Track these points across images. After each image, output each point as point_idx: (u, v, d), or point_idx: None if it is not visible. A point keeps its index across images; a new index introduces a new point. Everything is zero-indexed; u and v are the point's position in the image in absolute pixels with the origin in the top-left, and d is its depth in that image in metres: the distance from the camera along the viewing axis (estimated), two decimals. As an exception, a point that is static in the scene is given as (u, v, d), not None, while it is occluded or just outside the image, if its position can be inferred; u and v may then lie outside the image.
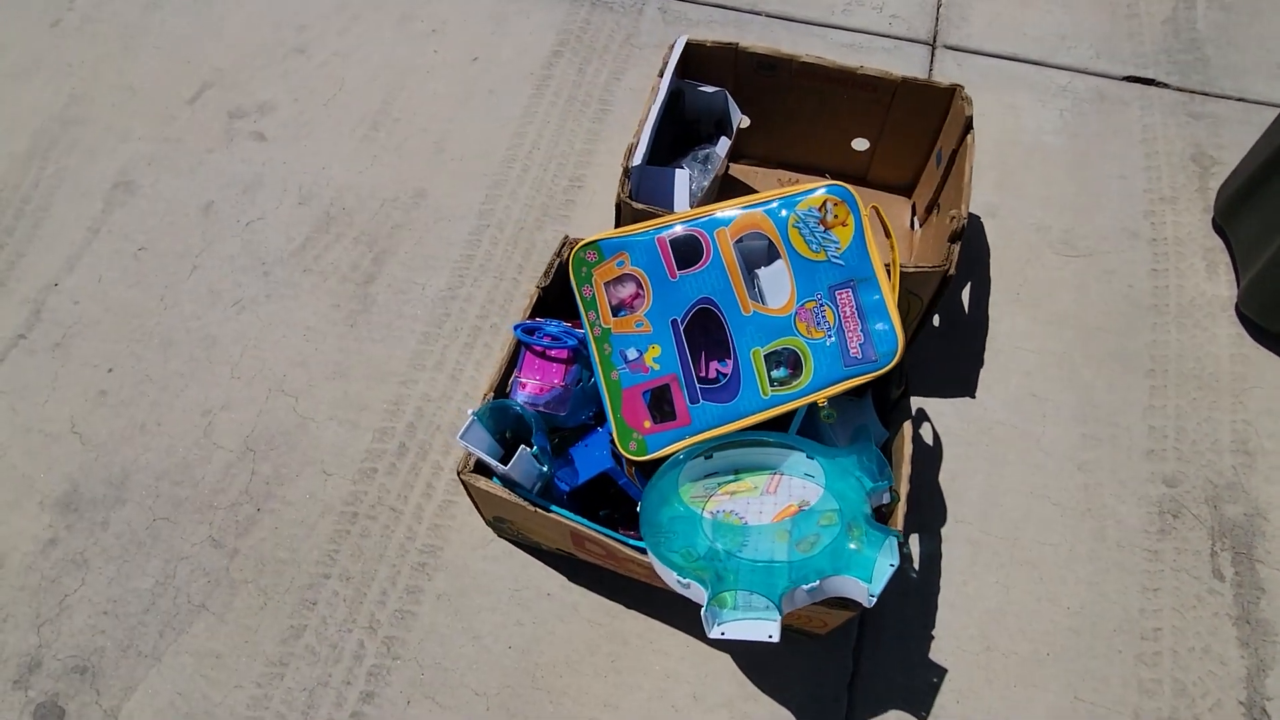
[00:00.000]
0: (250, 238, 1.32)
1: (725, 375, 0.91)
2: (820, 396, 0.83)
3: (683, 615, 0.98)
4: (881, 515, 0.84)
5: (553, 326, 0.91)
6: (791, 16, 1.59)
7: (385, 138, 1.44)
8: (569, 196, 1.37)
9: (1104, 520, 1.05)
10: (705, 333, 0.89)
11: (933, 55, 1.53)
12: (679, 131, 1.23)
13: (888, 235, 0.83)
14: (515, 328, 0.91)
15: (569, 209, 1.35)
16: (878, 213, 0.83)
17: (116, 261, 1.29)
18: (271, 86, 1.50)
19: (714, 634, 0.69)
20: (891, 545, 0.73)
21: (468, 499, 1.07)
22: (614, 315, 0.89)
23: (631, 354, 0.88)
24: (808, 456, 0.86)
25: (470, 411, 0.82)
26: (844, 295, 0.83)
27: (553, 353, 0.90)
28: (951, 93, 1.14)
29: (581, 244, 0.89)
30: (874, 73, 1.16)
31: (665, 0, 1.62)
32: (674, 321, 0.87)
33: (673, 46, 1.13)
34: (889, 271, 0.83)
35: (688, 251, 0.86)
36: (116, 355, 1.20)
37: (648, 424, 0.87)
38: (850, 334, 0.83)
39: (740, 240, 0.85)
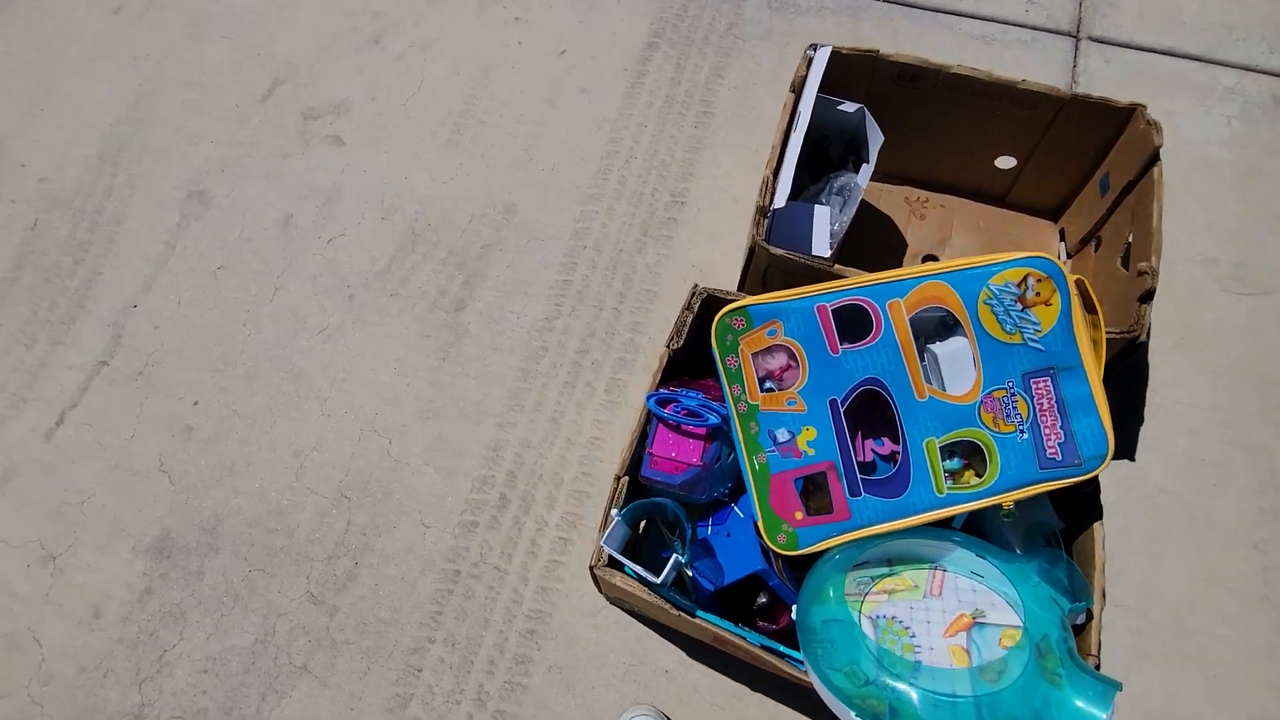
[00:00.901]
0: (333, 256, 1.23)
1: (881, 456, 0.82)
2: (1007, 499, 0.73)
3: (809, 699, 0.90)
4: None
5: (691, 400, 0.81)
6: (915, 3, 1.42)
7: (470, 143, 1.33)
8: (671, 214, 1.25)
9: (1283, 608, 0.94)
10: (865, 412, 0.79)
11: (1076, 49, 1.36)
12: (802, 152, 1.10)
13: (1092, 310, 0.71)
14: (649, 398, 0.82)
15: (671, 229, 1.24)
16: (1084, 288, 0.71)
17: (195, 281, 1.22)
18: (346, 83, 1.40)
19: (905, 795, 0.61)
20: (1108, 695, 0.63)
21: (575, 559, 1.00)
22: (761, 390, 0.79)
23: (782, 435, 0.78)
24: (977, 555, 0.77)
25: (615, 513, 0.74)
26: (1041, 385, 0.72)
27: (689, 428, 0.81)
28: (1130, 114, 0.99)
29: (728, 309, 0.78)
30: (1039, 88, 1.01)
31: (770, -16, 1.46)
32: (833, 402, 0.76)
33: (811, 60, 1.00)
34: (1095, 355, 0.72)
35: (853, 323, 0.76)
36: (201, 386, 1.14)
37: (800, 515, 0.77)
38: (1048, 430, 0.72)
39: (916, 314, 0.74)
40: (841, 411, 0.76)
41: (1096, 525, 0.77)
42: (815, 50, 1.01)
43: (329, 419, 1.10)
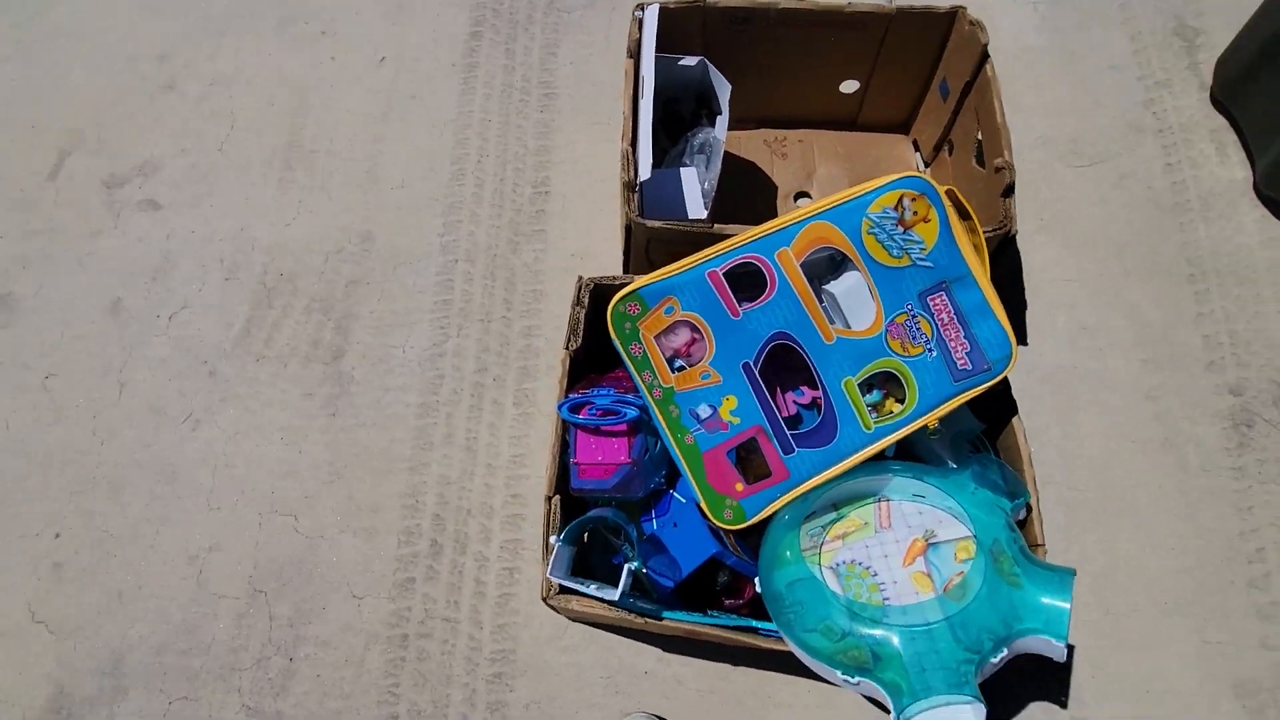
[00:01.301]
0: (179, 333, 1.11)
1: (804, 406, 0.81)
2: (931, 419, 0.73)
3: (789, 658, 0.90)
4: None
5: (603, 398, 0.78)
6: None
7: (305, 177, 1.22)
8: (537, 207, 1.20)
9: (1184, 448, 1.01)
10: (776, 361, 0.78)
11: (888, -36, 1.39)
12: (655, 115, 1.06)
13: (966, 217, 0.72)
14: (560, 407, 0.78)
15: (542, 222, 1.18)
16: (956, 197, 0.71)
17: (22, 399, 1.07)
18: (147, 139, 1.25)
19: (908, 740, 0.61)
20: (1066, 584, 0.65)
21: (525, 586, 0.95)
22: (673, 370, 0.76)
23: (704, 411, 0.75)
24: (915, 478, 0.77)
25: (554, 539, 0.69)
26: (938, 301, 0.72)
27: (609, 427, 0.77)
28: (953, 17, 1.01)
29: (619, 297, 0.75)
30: (863, 8, 1.02)
31: (582, -51, 1.41)
32: (746, 365, 0.74)
33: (641, 20, 0.96)
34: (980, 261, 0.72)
35: (747, 282, 0.73)
36: (60, 516, 1.00)
37: (740, 486, 0.75)
38: (953, 343, 0.72)
39: (806, 258, 0.73)
40: (756, 372, 0.74)
41: (1015, 420, 0.79)
42: (643, 10, 0.97)
43: (219, 512, 1.00)
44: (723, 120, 0.99)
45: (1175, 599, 0.93)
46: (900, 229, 0.71)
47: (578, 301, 0.84)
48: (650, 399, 0.76)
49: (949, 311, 0.72)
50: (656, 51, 1.02)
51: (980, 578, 0.68)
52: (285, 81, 1.30)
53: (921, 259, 0.71)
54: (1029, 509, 0.74)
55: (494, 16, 1.35)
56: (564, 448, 0.79)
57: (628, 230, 0.90)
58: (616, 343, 0.76)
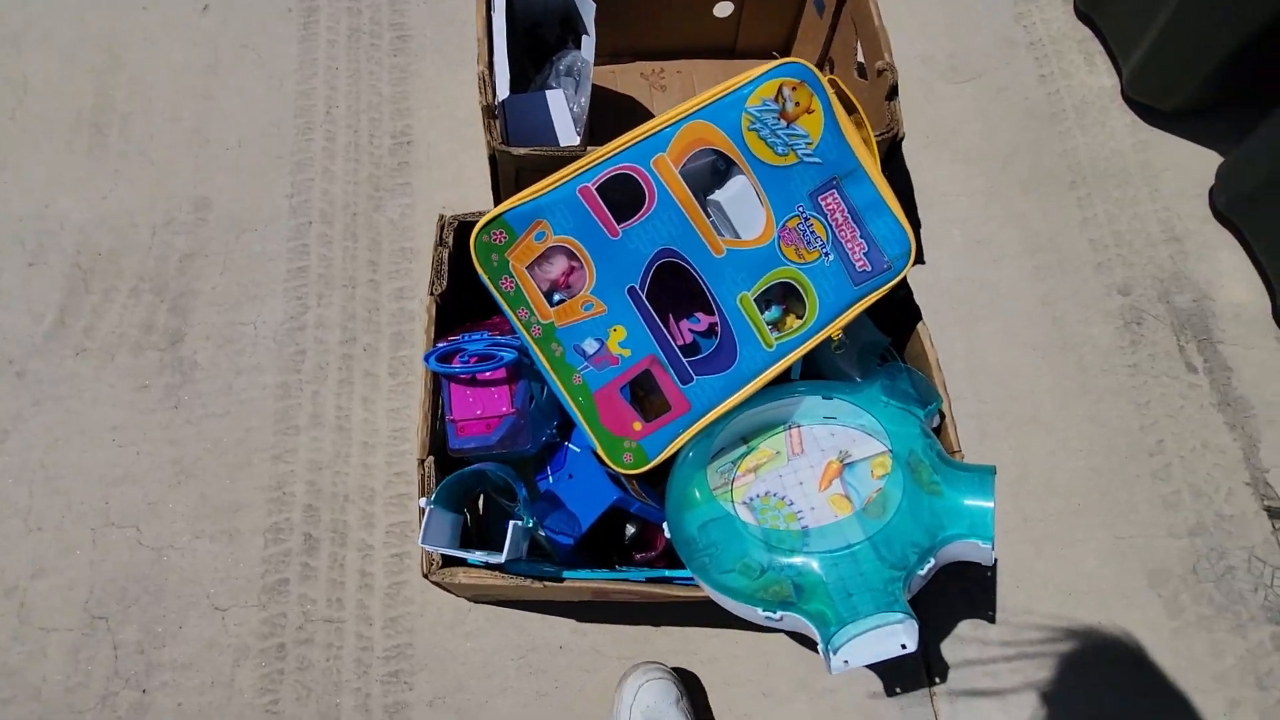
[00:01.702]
0: (-26, 331, 0.94)
1: (700, 333, 0.74)
2: (835, 329, 0.68)
3: (712, 610, 0.84)
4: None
5: (475, 343, 0.68)
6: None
7: (120, 142, 1.06)
8: (400, 159, 1.08)
9: (1081, 350, 1.01)
10: (666, 288, 0.71)
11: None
12: (518, 45, 0.97)
13: (853, 111, 0.67)
14: (427, 358, 0.68)
15: (406, 174, 1.07)
16: (839, 86, 0.66)
17: None
18: (-85, 110, 1.05)
19: (837, 668, 0.55)
20: (987, 482, 0.61)
21: (418, 573, 0.85)
22: (551, 304, 0.67)
23: (590, 346, 0.67)
24: (824, 398, 0.72)
25: (422, 501, 0.59)
26: (830, 199, 0.66)
27: (487, 375, 0.68)
28: (821, -77, 0.96)
29: (482, 224, 0.65)
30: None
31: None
32: (632, 290, 0.67)
33: (485, -70, 0.86)
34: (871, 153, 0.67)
35: (623, 196, 0.66)
36: None
37: (638, 425, 0.68)
38: (850, 244, 0.67)
39: (685, 165, 0.65)
40: (643, 297, 0.67)
41: (920, 326, 0.74)
42: (488, -81, 0.87)
43: (42, 533, 0.85)
44: (589, 40, 0.90)
45: (1086, 499, 0.93)
46: (783, 123, 0.65)
47: (440, 241, 0.74)
48: (529, 338, 0.67)
49: (843, 210, 0.67)
50: (511, -29, 0.92)
51: (899, 490, 0.64)
52: (89, 36, 1.13)
53: (809, 154, 0.66)
54: (942, 415, 0.70)
55: (332, -45, 1.21)
56: (438, 406, 0.70)
57: (493, 161, 0.81)
58: (484, 278, 0.67)
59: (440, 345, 0.68)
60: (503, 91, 0.76)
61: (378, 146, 1.08)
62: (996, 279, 1.04)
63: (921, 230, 1.08)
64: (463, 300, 0.76)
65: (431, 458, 0.65)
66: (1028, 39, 1.22)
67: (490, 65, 0.79)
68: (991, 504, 0.60)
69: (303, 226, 1.02)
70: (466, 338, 0.69)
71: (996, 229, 1.08)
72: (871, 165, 0.66)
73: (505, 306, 0.67)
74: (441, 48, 1.15)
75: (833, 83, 0.66)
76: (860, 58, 0.93)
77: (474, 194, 1.05)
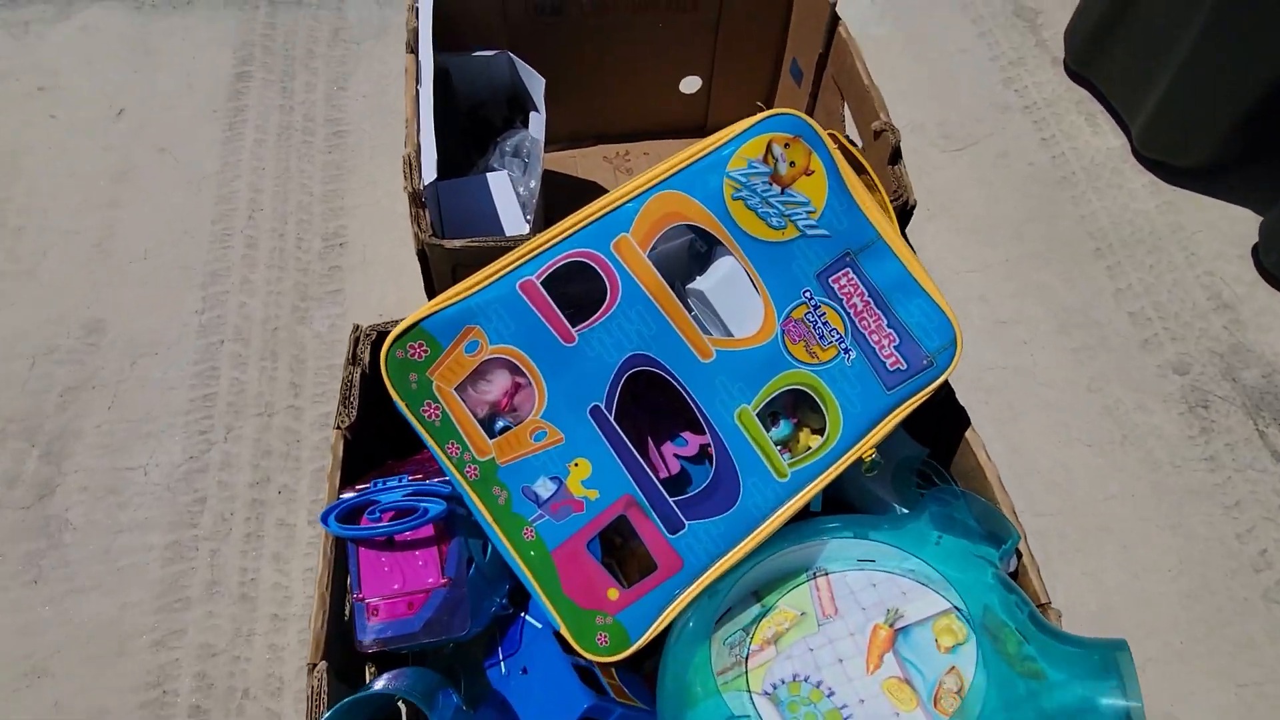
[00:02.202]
0: None
1: (689, 459, 0.57)
2: (866, 448, 0.51)
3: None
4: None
5: (390, 491, 0.51)
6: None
7: (6, 261, 0.91)
8: (331, 263, 0.94)
9: (1145, 443, 0.85)
10: (643, 405, 0.55)
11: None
12: (462, 127, 0.85)
13: (862, 171, 0.53)
14: (324, 517, 0.50)
15: (338, 279, 0.93)
16: (839, 140, 0.53)
17: None
18: None
19: None
20: (1112, 663, 0.43)
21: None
22: (492, 435, 0.51)
23: (545, 488, 0.50)
24: (856, 537, 0.55)
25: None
26: (844, 280, 0.52)
27: (407, 536, 0.51)
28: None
29: (394, 337, 0.50)
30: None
31: (369, -24, 1.21)
32: (596, 411, 0.51)
33: (417, 6, 0.75)
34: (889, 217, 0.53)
35: (579, 291, 0.51)
36: None
37: (614, 593, 0.50)
38: (876, 336, 0.52)
39: (656, 247, 0.51)
40: (611, 419, 0.51)
41: (969, 434, 0.59)
42: (418, -7, 0.76)
43: None
44: (538, 117, 0.78)
45: (1189, 636, 0.74)
46: (776, 188, 0.51)
47: (352, 359, 0.59)
48: (462, 481, 0.50)
49: (862, 293, 0.52)
50: (454, 51, 0.82)
51: (982, 672, 0.46)
52: (-17, 148, 1.00)
53: (812, 226, 0.51)
54: (1019, 554, 0.53)
55: (265, 54, 1.11)
56: (341, 582, 0.52)
57: (423, 258, 0.66)
58: (400, 405, 0.50)
59: (343, 498, 0.51)
60: (429, 173, 0.63)
61: (306, 251, 0.94)
62: (1031, 364, 0.90)
63: (935, 312, 0.94)
64: (385, 432, 0.60)
65: (324, 664, 0.47)
66: (1021, 103, 1.13)
67: (415, 143, 0.66)
68: (1127, 702, 0.42)
69: (212, 346, 0.87)
70: (379, 485, 0.52)
71: (1020, 305, 0.94)
72: (893, 235, 0.52)
73: (430, 441, 0.50)
74: (381, 142, 1.04)
75: (833, 137, 0.53)
76: (850, 124, 0.81)
77: (416, 300, 0.90)
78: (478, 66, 0.82)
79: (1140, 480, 0.82)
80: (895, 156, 0.71)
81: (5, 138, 1.02)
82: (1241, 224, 0.99)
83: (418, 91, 0.71)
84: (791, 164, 0.50)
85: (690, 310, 0.52)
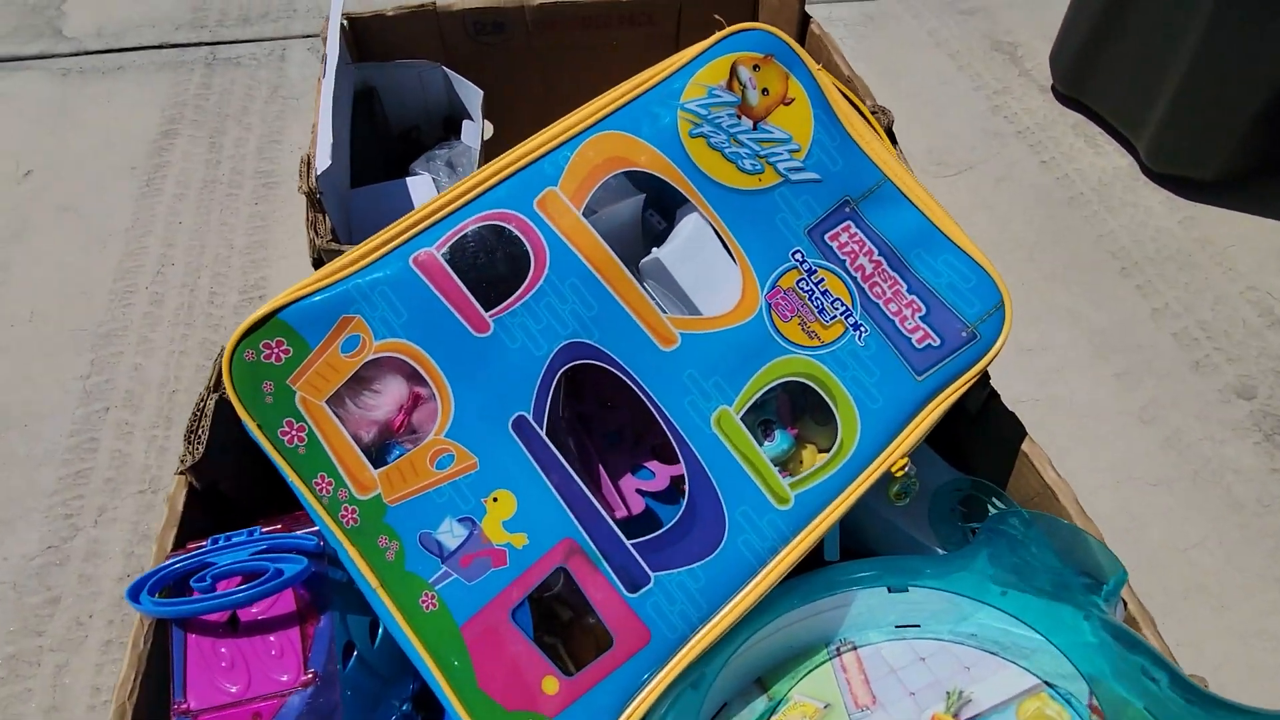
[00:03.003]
0: None
1: (658, 494, 0.43)
2: (895, 456, 0.37)
3: None
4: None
5: (232, 550, 0.37)
6: None
7: None
8: (247, 313, 0.81)
9: (1222, 479, 0.71)
10: (593, 418, 0.41)
11: None
12: (397, 150, 0.75)
13: (851, 99, 0.42)
14: (132, 591, 0.35)
15: (254, 334, 0.79)
16: (822, 73, 0.42)
17: None
18: None
19: None
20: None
21: None
22: (375, 464, 0.37)
23: (451, 536, 0.36)
24: (891, 591, 0.40)
25: None
26: (844, 236, 0.39)
27: (255, 612, 0.35)
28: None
29: (242, 332, 0.37)
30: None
31: (315, 39, 1.16)
32: (520, 422, 0.37)
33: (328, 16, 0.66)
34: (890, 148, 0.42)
35: (494, 264, 0.38)
36: None
37: (552, 685, 0.35)
38: (894, 305, 0.39)
39: (595, 204, 0.39)
40: (542, 433, 0.37)
41: (1025, 445, 0.45)
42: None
43: None
44: (473, 125, 0.69)
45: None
46: (746, 122, 0.39)
47: (211, 386, 0.45)
48: (335, 529, 0.36)
49: (870, 252, 0.39)
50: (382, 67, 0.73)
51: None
52: None
53: (796, 168, 0.39)
54: (1123, 602, 0.38)
55: (196, 112, 1.03)
56: (162, 686, 0.36)
57: (317, 267, 0.54)
58: (249, 425, 0.36)
59: (163, 564, 0.36)
60: (324, 162, 0.51)
61: (219, 305, 0.82)
62: (1068, 394, 0.77)
63: (945, 341, 0.82)
64: (278, 490, 0.45)
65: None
66: (1013, 129, 1.06)
67: (314, 135, 0.55)
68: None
69: (95, 415, 0.72)
70: (217, 541, 0.37)
71: (1045, 331, 0.82)
72: (902, 175, 0.40)
73: (290, 474, 0.36)
74: (315, 188, 0.94)
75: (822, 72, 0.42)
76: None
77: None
78: (409, 82, 0.73)
79: (1226, 524, 0.67)
80: (891, 139, 0.61)
81: (-106, 203, 0.92)
82: (1278, 235, 0.89)
83: (323, 81, 0.61)
84: (764, 91, 0.39)
85: (642, 283, 0.39)
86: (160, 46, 1.14)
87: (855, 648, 0.40)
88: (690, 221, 0.40)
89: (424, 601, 0.35)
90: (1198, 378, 0.78)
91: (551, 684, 0.35)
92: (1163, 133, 0.94)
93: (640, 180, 0.42)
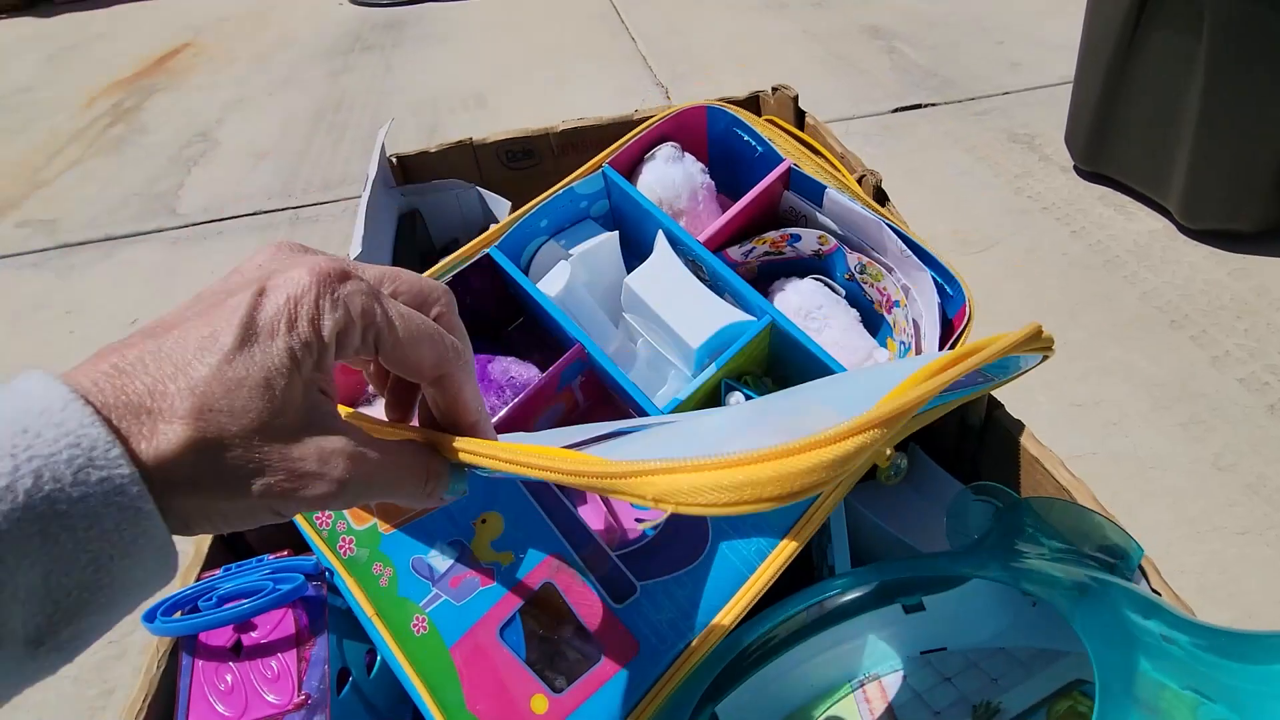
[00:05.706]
0: None
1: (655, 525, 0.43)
2: (881, 442, 0.37)
3: None
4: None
5: (240, 575, 0.38)
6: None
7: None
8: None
9: (1308, 524, 0.64)
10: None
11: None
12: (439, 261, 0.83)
13: (802, 138, 0.45)
14: (148, 615, 0.37)
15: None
16: (778, 125, 0.46)
17: None
18: None
19: None
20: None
21: None
22: (376, 490, 0.38)
23: (441, 559, 0.37)
24: (905, 607, 0.38)
25: None
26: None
27: (256, 638, 0.37)
28: (755, 100, 0.88)
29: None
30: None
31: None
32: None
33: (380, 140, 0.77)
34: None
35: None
36: None
37: (541, 704, 0.34)
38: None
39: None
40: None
41: (1036, 448, 0.43)
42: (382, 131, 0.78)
43: None
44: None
45: None
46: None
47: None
48: (335, 560, 0.37)
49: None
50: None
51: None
52: (14, 371, 1.03)
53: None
54: (1143, 572, 0.35)
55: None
56: (168, 705, 0.37)
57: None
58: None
59: (177, 592, 0.38)
60: (355, 248, 0.57)
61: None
62: (1129, 446, 0.72)
63: (998, 410, 0.79)
64: (283, 528, 0.47)
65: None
66: (1038, 205, 1.08)
67: (353, 236, 0.62)
68: None
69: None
70: (227, 572, 0.39)
71: (1096, 387, 0.79)
72: (848, 182, 0.42)
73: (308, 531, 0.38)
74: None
75: (771, 122, 0.46)
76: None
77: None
78: (447, 201, 0.82)
79: (1320, 567, 0.60)
80: (881, 197, 0.64)
81: (23, 352, 1.06)
82: (1334, 275, 0.85)
83: (363, 193, 0.69)
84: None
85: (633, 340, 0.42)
86: (254, 214, 1.31)
87: (879, 678, 0.38)
88: (658, 248, 0.43)
89: (415, 625, 0.36)
90: (1273, 421, 0.72)
91: (540, 703, 0.34)
92: (1191, 190, 0.93)
93: (608, 223, 0.45)
